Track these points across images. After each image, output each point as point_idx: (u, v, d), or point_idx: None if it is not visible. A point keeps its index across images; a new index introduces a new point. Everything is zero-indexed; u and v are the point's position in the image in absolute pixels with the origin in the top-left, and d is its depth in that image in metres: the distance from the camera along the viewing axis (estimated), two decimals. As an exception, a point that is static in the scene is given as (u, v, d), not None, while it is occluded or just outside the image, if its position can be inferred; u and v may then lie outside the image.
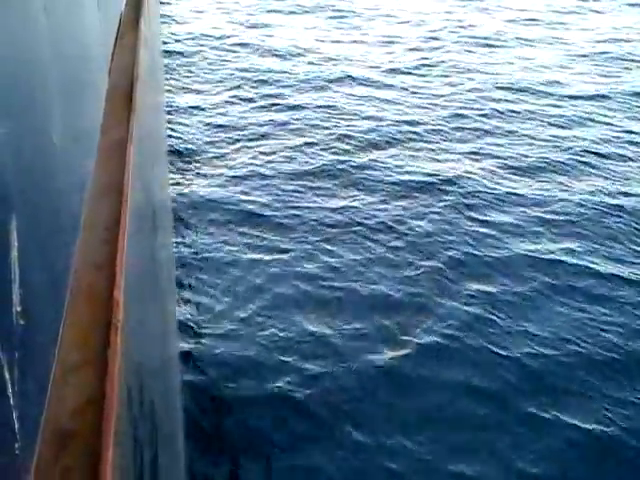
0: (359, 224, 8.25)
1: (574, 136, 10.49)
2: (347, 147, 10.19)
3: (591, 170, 9.56)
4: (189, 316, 6.69)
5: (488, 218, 8.34)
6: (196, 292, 7.04)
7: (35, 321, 1.47)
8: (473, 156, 9.90)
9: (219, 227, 8.21)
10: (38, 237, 1.60)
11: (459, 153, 9.99)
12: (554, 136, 10.52)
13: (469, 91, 12.15)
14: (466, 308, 6.77)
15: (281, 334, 6.45)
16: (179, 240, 7.85)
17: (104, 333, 1.88)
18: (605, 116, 11.18)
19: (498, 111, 11.32)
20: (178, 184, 9.13)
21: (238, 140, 10.48)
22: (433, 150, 10.10)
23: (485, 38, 15.07)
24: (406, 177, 9.30)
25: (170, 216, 7.33)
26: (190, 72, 13.27)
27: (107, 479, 1.48)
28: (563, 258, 7.57)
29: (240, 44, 14.73)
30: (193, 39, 15.09)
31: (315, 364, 6.10)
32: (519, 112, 11.32)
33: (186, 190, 9.05)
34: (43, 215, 1.70)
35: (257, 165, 9.69)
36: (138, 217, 2.92)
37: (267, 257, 7.57)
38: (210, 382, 6.01)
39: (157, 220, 4.50)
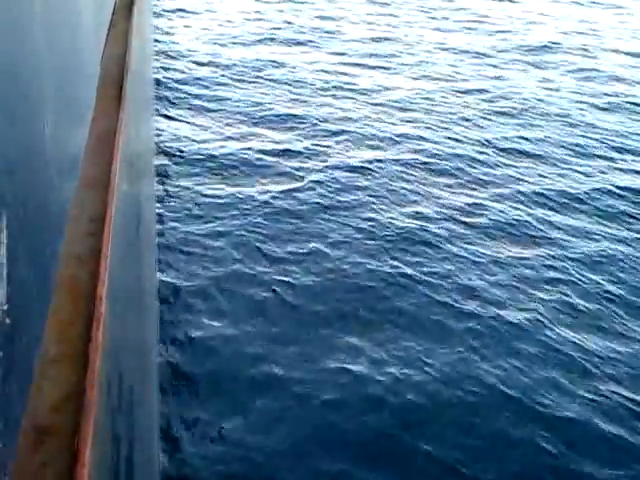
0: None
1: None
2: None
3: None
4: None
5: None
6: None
7: (21, 313, 1.45)
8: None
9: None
10: (27, 228, 1.58)
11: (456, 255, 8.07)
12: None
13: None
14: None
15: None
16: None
17: (86, 327, 1.86)
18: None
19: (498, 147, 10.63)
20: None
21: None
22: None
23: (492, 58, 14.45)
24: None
25: (154, 208, 7.28)
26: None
27: (83, 477, 1.47)
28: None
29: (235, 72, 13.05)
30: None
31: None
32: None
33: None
34: (32, 206, 1.68)
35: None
36: (124, 209, 2.90)
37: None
38: (187, 369, 5.99)
39: (142, 213, 4.48)
